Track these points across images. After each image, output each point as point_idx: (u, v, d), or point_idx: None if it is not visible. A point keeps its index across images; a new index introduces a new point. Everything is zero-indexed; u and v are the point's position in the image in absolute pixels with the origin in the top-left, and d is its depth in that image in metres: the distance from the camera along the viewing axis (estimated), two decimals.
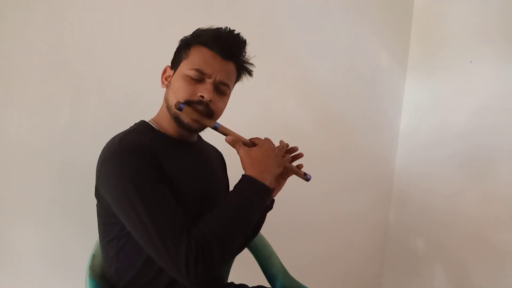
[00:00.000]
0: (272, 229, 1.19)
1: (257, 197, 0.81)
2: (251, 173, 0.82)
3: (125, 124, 0.94)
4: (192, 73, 0.85)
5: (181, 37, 0.92)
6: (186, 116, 0.85)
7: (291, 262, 1.25)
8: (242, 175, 0.83)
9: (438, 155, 1.94)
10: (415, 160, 2.06)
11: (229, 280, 1.08)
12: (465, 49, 1.84)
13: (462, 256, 1.83)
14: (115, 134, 0.87)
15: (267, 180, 0.83)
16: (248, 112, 1.54)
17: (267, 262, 1.16)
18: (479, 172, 1.78)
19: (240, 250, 1.02)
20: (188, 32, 0.92)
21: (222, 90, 0.88)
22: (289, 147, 0.96)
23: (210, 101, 0.85)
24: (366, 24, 1.92)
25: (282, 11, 1.64)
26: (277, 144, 0.92)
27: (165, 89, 0.92)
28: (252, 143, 0.89)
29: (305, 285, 1.11)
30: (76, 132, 1.22)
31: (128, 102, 1.29)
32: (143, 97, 1.29)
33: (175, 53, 0.92)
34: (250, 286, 1.04)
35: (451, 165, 1.88)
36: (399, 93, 2.12)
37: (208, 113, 0.86)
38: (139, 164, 0.76)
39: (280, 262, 1.16)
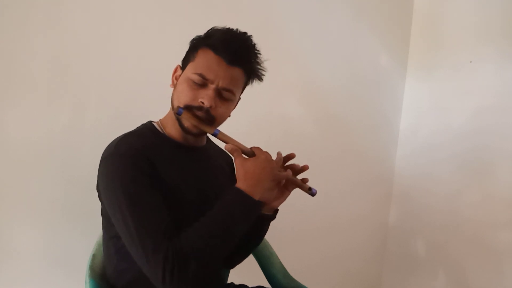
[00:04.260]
0: (272, 230, 1.18)
1: (242, 211, 0.78)
2: (241, 185, 0.80)
3: (125, 124, 0.94)
4: (195, 77, 0.83)
5: (181, 38, 0.92)
6: (186, 121, 0.85)
7: (291, 262, 1.25)
8: (232, 187, 0.81)
9: (438, 156, 1.93)
10: (415, 161, 2.06)
11: (229, 280, 1.08)
12: (465, 49, 1.84)
13: (461, 257, 1.83)
14: (115, 134, 0.87)
15: (257, 193, 0.80)
16: (249, 114, 1.54)
17: (267, 262, 1.16)
18: (479, 173, 1.77)
19: (243, 258, 1.02)
20: (188, 32, 0.92)
21: (225, 96, 0.86)
22: (287, 154, 0.93)
23: (211, 107, 0.83)
24: (366, 24, 1.92)
25: (281, 12, 1.64)
26: (274, 156, 0.89)
27: (172, 89, 0.91)
28: (252, 153, 0.86)
29: (305, 285, 1.11)
30: (76, 132, 1.22)
31: (128, 102, 1.29)
32: (143, 97, 1.29)
33: (186, 52, 0.91)
34: (250, 286, 1.04)
35: (451, 165, 1.88)
36: (399, 93, 2.12)
37: (209, 119, 0.85)
38: (129, 168, 0.77)
39: (280, 262, 1.16)
